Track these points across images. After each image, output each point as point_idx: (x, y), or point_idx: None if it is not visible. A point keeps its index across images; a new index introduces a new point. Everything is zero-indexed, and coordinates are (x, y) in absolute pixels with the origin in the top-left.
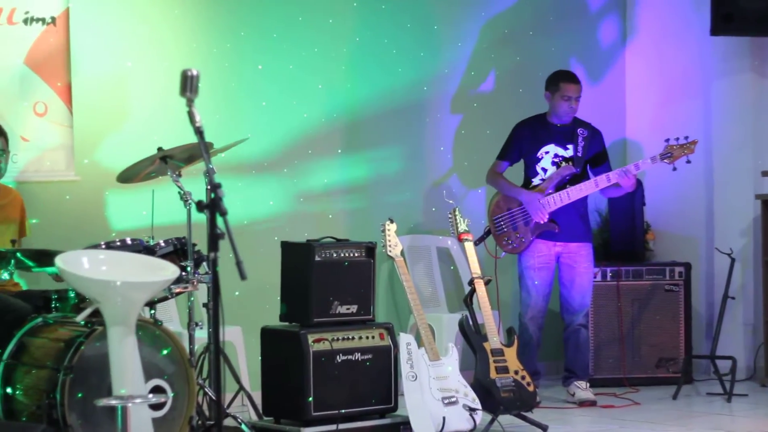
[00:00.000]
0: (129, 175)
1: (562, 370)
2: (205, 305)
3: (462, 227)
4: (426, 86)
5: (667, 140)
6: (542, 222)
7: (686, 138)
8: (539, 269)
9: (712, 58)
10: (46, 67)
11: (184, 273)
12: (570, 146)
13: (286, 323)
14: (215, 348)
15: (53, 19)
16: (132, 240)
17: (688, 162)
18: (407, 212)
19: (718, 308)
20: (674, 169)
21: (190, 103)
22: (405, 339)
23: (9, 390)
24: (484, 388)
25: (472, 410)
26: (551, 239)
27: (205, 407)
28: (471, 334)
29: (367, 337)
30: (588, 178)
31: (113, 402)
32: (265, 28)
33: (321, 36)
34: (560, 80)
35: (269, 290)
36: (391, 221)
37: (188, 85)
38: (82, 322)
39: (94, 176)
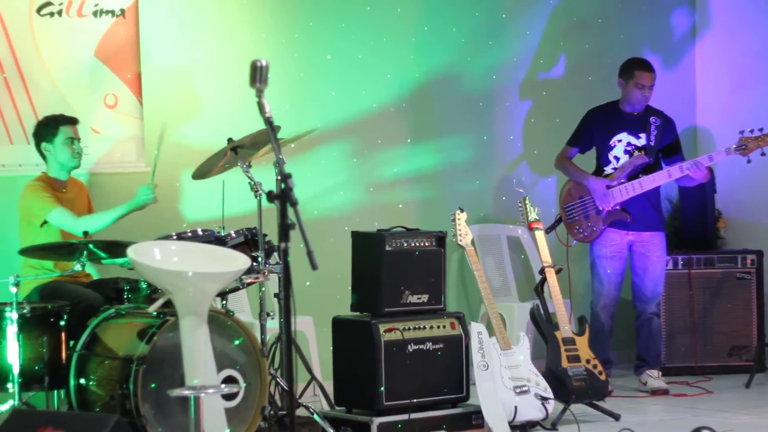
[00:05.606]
0: (203, 171)
1: (634, 359)
2: (276, 295)
3: (532, 216)
4: (495, 75)
5: (742, 132)
6: (608, 209)
7: (761, 130)
8: (611, 258)
9: None
10: (116, 59)
11: (255, 263)
12: (642, 135)
13: (357, 313)
14: (287, 338)
15: (122, 11)
16: (203, 230)
17: (763, 154)
18: (477, 201)
19: None
20: (749, 161)
21: (259, 93)
22: (476, 328)
23: (83, 381)
24: (555, 377)
25: (544, 399)
26: (623, 228)
27: (277, 397)
28: (542, 323)
29: (438, 327)
30: (660, 168)
31: (186, 392)
32: (333, 18)
33: (389, 25)
34: (635, 68)
35: (340, 280)
36: (461, 210)
37: (258, 75)
38: (155, 313)
39: (164, 167)
